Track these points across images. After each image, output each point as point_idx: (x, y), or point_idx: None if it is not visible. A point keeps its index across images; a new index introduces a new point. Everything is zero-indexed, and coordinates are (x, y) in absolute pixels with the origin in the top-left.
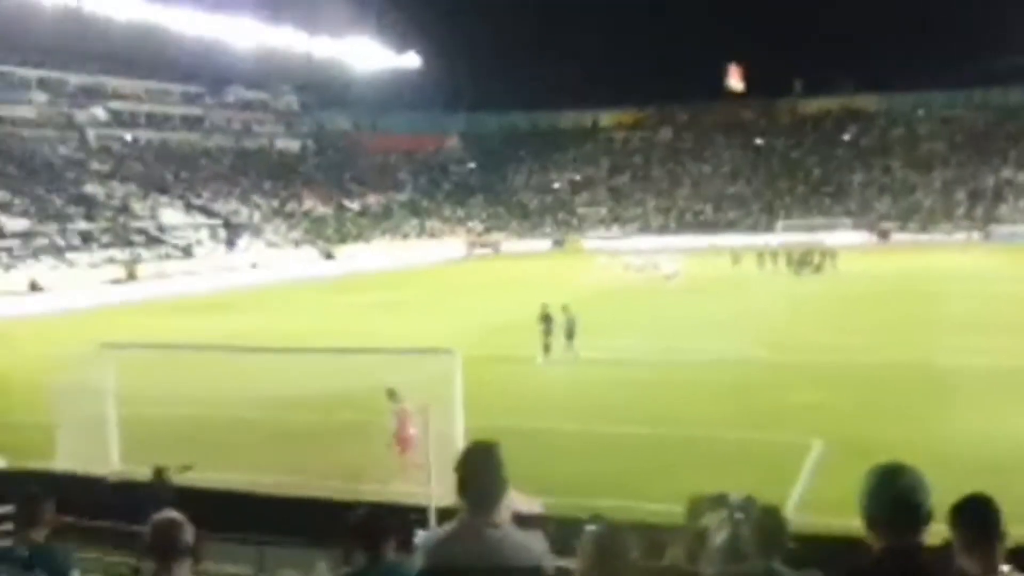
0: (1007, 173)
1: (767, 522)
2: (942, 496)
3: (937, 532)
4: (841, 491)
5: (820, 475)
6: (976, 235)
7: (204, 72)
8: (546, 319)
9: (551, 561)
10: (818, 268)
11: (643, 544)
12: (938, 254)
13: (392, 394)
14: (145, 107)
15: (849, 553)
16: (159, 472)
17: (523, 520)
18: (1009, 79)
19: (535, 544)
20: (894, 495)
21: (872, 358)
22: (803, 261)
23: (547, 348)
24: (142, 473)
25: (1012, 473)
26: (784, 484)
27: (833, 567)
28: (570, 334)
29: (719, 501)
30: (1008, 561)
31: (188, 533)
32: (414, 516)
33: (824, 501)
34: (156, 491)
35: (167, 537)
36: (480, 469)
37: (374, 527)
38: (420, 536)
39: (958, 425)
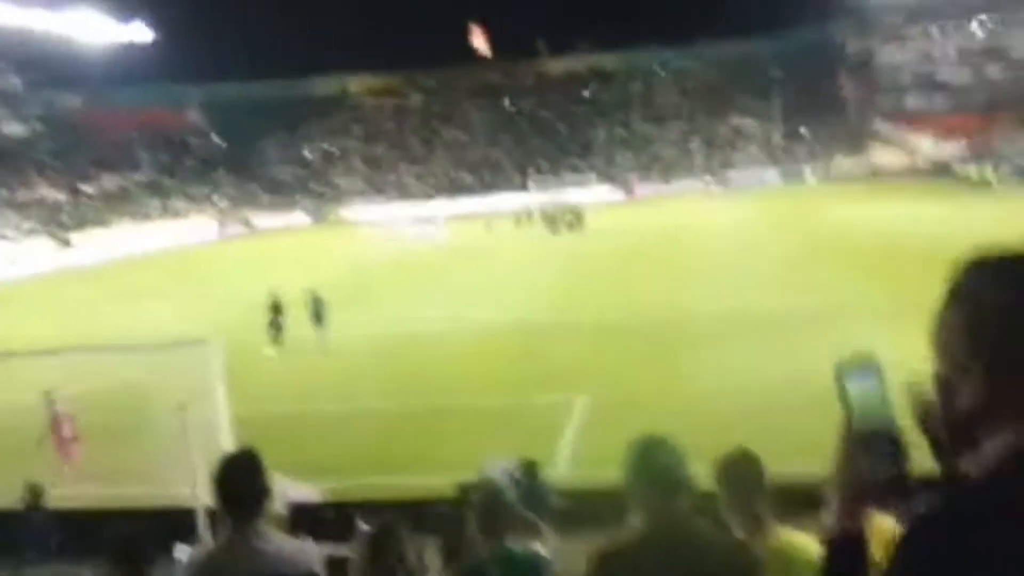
0: (737, 121)
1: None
2: (705, 447)
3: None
4: (608, 446)
5: (588, 431)
6: (713, 183)
7: None
8: (275, 308)
9: (322, 568)
10: (570, 226)
11: (415, 526)
12: (677, 205)
13: (47, 395)
14: None
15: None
16: (34, 491)
17: (300, 509)
18: (736, 32)
19: (306, 550)
20: (652, 468)
21: (626, 312)
22: (556, 220)
23: (276, 338)
24: None
25: (767, 415)
26: (552, 443)
27: (603, 521)
28: (318, 318)
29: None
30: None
31: None
32: (185, 521)
33: (593, 456)
34: (30, 515)
35: None
36: (239, 479)
37: (132, 546)
38: (182, 551)
39: (712, 373)
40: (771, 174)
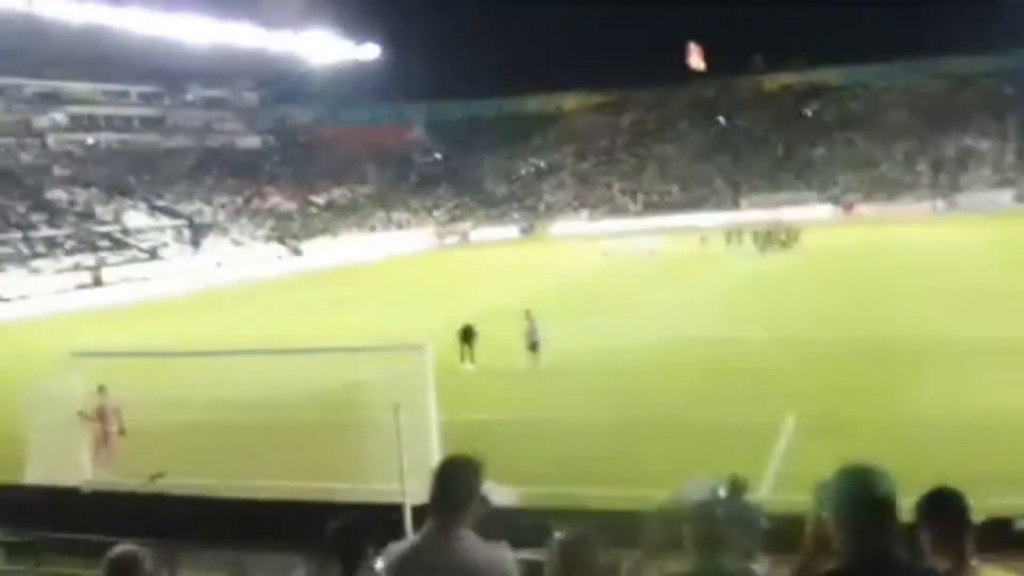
0: (968, 141)
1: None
2: (912, 475)
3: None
4: (815, 468)
5: (794, 452)
6: (940, 205)
7: (161, 72)
8: (467, 335)
9: (516, 572)
10: (784, 245)
11: (614, 538)
12: (901, 226)
13: (101, 389)
14: (104, 110)
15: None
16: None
17: (497, 513)
18: (967, 47)
19: (501, 555)
20: (866, 498)
21: (839, 332)
22: (769, 238)
23: (468, 357)
24: (114, 483)
25: (981, 446)
26: (759, 463)
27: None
28: (533, 345)
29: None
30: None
31: (148, 566)
32: (393, 516)
33: (800, 478)
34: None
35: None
36: (454, 482)
37: (351, 538)
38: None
39: (926, 399)
40: (1004, 197)
